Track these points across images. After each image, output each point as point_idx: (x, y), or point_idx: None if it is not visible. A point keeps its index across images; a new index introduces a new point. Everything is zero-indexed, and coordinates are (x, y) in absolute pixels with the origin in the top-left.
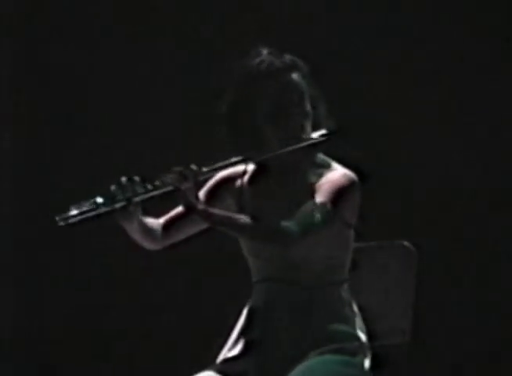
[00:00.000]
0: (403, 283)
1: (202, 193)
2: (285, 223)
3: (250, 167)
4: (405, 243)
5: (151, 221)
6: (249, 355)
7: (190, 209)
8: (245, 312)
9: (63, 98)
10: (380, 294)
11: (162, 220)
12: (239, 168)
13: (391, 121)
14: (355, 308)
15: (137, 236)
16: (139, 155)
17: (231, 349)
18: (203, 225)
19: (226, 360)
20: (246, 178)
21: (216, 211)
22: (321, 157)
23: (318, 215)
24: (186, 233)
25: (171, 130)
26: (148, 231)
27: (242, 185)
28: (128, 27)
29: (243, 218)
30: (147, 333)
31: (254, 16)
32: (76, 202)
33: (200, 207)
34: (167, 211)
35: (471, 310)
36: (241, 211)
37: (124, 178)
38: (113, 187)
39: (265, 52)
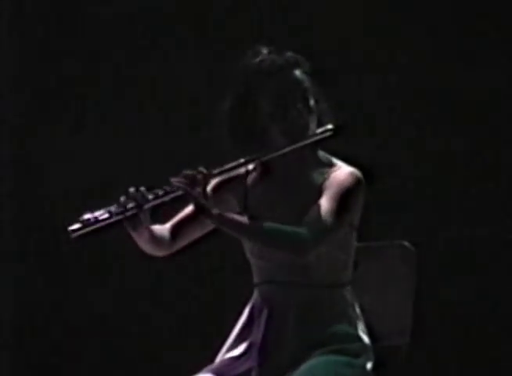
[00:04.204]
0: (403, 283)
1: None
2: (298, 230)
3: (253, 167)
4: (405, 243)
5: (158, 228)
6: (251, 355)
7: (203, 214)
8: (246, 312)
9: (63, 98)
10: (380, 295)
11: (169, 225)
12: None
13: (389, 120)
14: (358, 310)
15: (147, 246)
16: (140, 156)
17: (230, 349)
18: (212, 226)
19: (226, 360)
20: (249, 178)
21: (232, 216)
22: (323, 154)
23: (328, 221)
24: (196, 234)
25: (173, 131)
26: (157, 239)
27: (245, 186)
28: (127, 27)
29: (259, 225)
30: (146, 332)
31: (254, 15)
32: (85, 211)
33: (214, 212)
34: (173, 215)
35: (472, 310)
36: (245, 212)
37: (132, 188)
38: (122, 198)
39: (264, 50)
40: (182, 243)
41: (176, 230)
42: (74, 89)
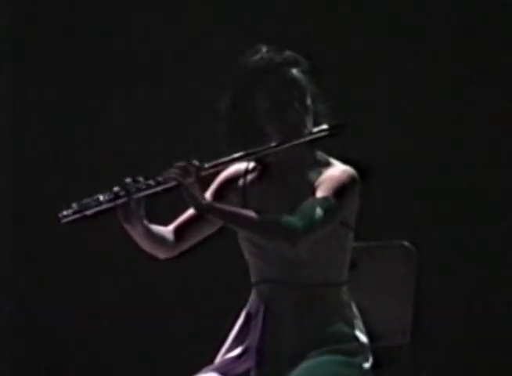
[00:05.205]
0: (403, 283)
1: (208, 196)
2: (289, 219)
3: (252, 167)
4: (405, 243)
5: (160, 228)
6: (249, 355)
7: (194, 205)
8: (244, 312)
9: (63, 97)
10: (380, 294)
11: (172, 227)
12: (242, 167)
13: (388, 120)
14: (355, 309)
15: (144, 242)
16: (140, 155)
17: (229, 349)
18: (218, 225)
19: (225, 361)
20: (248, 178)
21: (222, 206)
22: (320, 154)
23: (320, 210)
24: (200, 236)
25: (169, 128)
26: (156, 237)
27: (244, 185)
28: (126, 27)
29: (250, 214)
30: (146, 332)
31: (253, 14)
32: (77, 199)
33: (205, 202)
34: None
35: (472, 310)
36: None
37: (128, 179)
38: (116, 187)
39: (263, 49)
40: (187, 244)
41: (180, 232)
42: (74, 89)
